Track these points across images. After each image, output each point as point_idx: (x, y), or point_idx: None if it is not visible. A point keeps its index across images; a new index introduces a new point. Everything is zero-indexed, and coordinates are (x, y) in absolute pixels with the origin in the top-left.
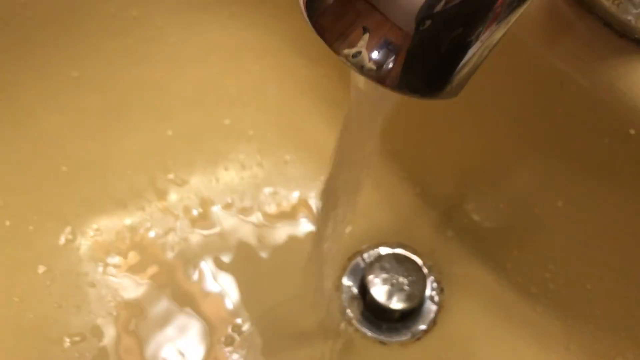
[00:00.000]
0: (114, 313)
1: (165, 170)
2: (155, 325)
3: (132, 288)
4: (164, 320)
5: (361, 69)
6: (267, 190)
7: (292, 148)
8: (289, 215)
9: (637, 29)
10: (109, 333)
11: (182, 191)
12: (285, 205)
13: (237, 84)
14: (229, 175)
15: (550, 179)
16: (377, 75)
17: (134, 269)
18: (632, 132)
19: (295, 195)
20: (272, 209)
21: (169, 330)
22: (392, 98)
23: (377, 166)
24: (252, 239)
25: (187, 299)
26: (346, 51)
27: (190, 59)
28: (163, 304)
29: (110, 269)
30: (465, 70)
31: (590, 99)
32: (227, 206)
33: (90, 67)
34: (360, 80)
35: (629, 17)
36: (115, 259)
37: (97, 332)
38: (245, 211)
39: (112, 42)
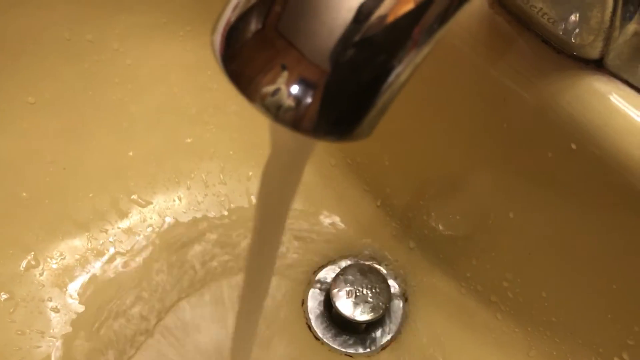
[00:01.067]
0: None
1: (127, 192)
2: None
3: None
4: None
5: (275, 116)
6: (232, 206)
7: (254, 164)
8: None
9: (574, 46)
10: (75, 358)
11: (145, 212)
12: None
13: (197, 103)
14: (192, 194)
15: (501, 191)
16: (292, 122)
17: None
18: (574, 146)
19: None
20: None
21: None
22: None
23: (338, 180)
24: (217, 256)
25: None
26: (257, 99)
27: (149, 80)
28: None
29: (74, 294)
30: (374, 112)
31: (533, 114)
32: (191, 224)
33: (47, 92)
34: (276, 129)
35: (564, 35)
36: (79, 283)
37: (64, 358)
38: (209, 229)
39: (67, 67)
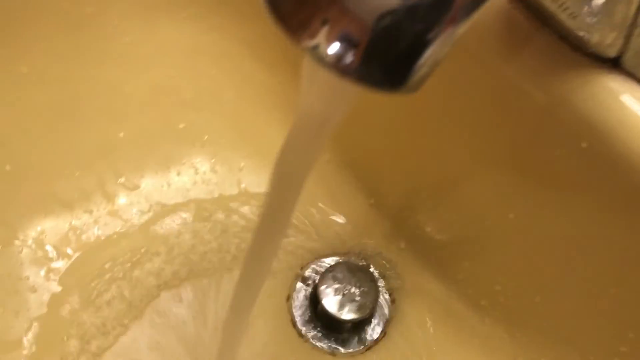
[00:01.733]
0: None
1: (115, 173)
2: None
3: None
4: None
5: (322, 60)
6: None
7: (247, 154)
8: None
9: (591, 43)
10: (48, 340)
11: (132, 195)
12: (240, 213)
13: (192, 88)
14: (181, 181)
15: (503, 191)
16: (338, 67)
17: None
18: (584, 145)
19: (249, 201)
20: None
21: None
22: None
23: (332, 176)
24: (202, 247)
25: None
26: (306, 41)
27: (146, 60)
28: None
29: (53, 274)
30: (426, 66)
31: (543, 111)
32: (179, 211)
33: (41, 64)
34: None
35: (583, 32)
36: (59, 263)
37: (37, 340)
38: (197, 217)
39: (64, 39)
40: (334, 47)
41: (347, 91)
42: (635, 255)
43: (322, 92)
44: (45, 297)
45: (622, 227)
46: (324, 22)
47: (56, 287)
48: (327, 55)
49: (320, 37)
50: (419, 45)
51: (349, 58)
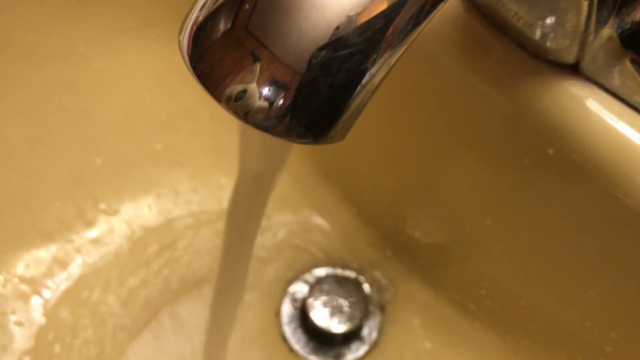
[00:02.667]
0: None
1: (94, 200)
2: None
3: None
4: None
5: (243, 118)
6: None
7: (227, 171)
8: None
9: (550, 50)
10: None
11: (113, 221)
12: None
13: (166, 108)
14: (162, 203)
15: (478, 198)
16: (260, 124)
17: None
18: (551, 151)
19: None
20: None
21: None
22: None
23: (314, 187)
24: (188, 267)
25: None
26: (227, 100)
27: (117, 85)
28: None
29: (39, 307)
30: (347, 115)
31: (509, 119)
32: (162, 233)
33: (10, 96)
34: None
35: (539, 40)
36: (45, 295)
37: None
38: (181, 238)
39: (31, 71)
40: (253, 106)
41: (278, 147)
42: (610, 257)
43: (255, 149)
44: (32, 330)
45: (595, 229)
46: (241, 81)
47: (42, 320)
48: (247, 113)
49: (239, 96)
50: (339, 96)
51: (269, 115)
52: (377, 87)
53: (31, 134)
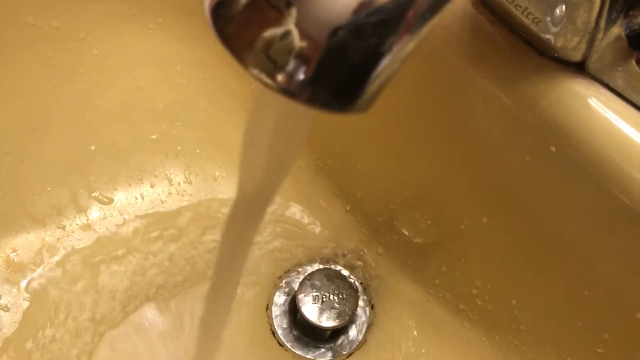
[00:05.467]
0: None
1: (87, 187)
2: None
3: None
4: None
5: (269, 82)
6: (195, 207)
7: (222, 163)
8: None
9: (556, 48)
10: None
11: (105, 209)
12: (216, 221)
13: (164, 98)
14: (155, 192)
15: (476, 195)
16: (287, 89)
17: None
18: (553, 149)
19: (225, 211)
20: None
21: None
22: (303, 118)
23: (308, 183)
24: (179, 259)
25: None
26: (253, 63)
27: (115, 72)
28: None
29: (26, 292)
30: (377, 83)
31: (512, 116)
32: (153, 223)
33: (7, 78)
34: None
35: (548, 36)
36: (33, 281)
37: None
38: (172, 228)
39: (30, 53)
40: (281, 69)
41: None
42: (607, 256)
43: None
44: (19, 316)
45: (593, 229)
46: (270, 45)
47: (29, 306)
48: (273, 78)
49: (266, 60)
50: (369, 62)
51: (296, 80)
52: (407, 58)
53: (27, 117)
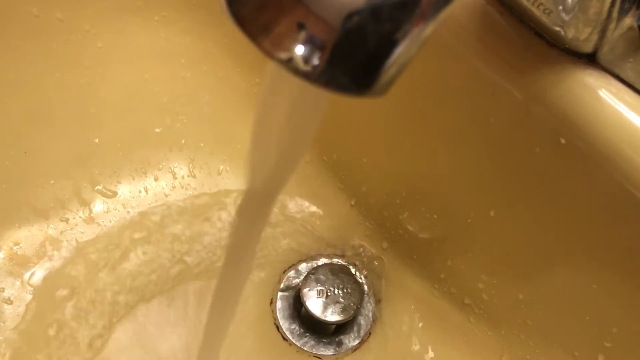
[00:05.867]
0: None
1: (91, 180)
2: None
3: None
4: None
5: (286, 64)
6: (201, 201)
7: (226, 157)
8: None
9: (567, 39)
10: (25, 352)
11: (109, 202)
12: (219, 217)
13: (168, 91)
14: (159, 186)
15: (483, 188)
16: (304, 71)
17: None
18: (563, 141)
19: (229, 202)
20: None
21: None
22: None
23: (313, 177)
24: (183, 254)
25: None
26: (269, 45)
27: (120, 65)
28: None
29: (30, 285)
30: (394, 67)
31: (521, 108)
32: (158, 217)
33: (11, 70)
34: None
35: (558, 28)
36: (36, 274)
37: (14, 353)
38: (177, 222)
39: (34, 45)
40: (298, 51)
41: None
42: (617, 250)
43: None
44: (21, 309)
45: (603, 223)
46: (288, 25)
47: (33, 299)
48: (291, 59)
49: (283, 41)
50: (387, 46)
51: (314, 62)
52: (424, 43)
53: (31, 109)
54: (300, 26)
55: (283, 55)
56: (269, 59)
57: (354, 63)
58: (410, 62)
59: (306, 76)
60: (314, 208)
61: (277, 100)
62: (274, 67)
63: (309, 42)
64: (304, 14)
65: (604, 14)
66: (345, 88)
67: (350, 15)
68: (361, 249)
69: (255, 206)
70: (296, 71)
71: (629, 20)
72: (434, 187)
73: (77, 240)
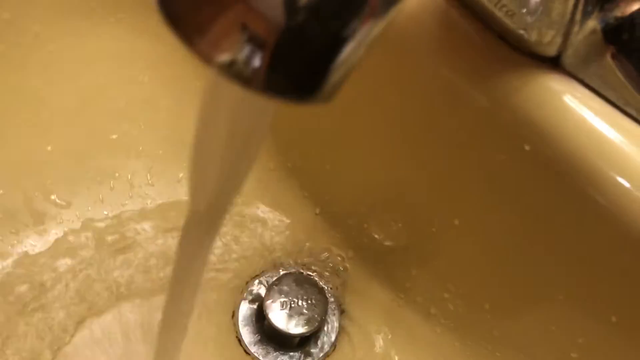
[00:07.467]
0: None
1: (43, 190)
2: None
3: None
4: None
5: (226, 68)
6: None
7: (185, 165)
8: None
9: (530, 42)
10: None
11: (62, 213)
12: (178, 226)
13: (125, 96)
14: (115, 195)
15: (446, 196)
16: (244, 76)
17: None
18: (527, 148)
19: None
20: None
21: None
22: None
23: (276, 185)
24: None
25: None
26: (207, 47)
27: (73, 68)
28: None
29: None
30: (341, 70)
31: (484, 113)
32: (113, 227)
33: None
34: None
35: (522, 31)
36: None
37: None
38: (134, 233)
39: None
40: (238, 53)
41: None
42: (582, 259)
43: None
44: None
45: (568, 229)
46: (227, 24)
47: None
48: (230, 63)
49: (222, 42)
50: (333, 46)
51: (254, 64)
52: (373, 44)
53: None
54: (241, 26)
55: (222, 58)
56: (204, 64)
57: (296, 67)
58: (358, 65)
59: (247, 82)
60: (277, 217)
61: (217, 112)
62: (212, 74)
63: (247, 45)
64: (244, 11)
65: (567, 16)
66: (286, 94)
67: (292, 12)
68: (326, 259)
69: (199, 228)
70: (236, 76)
71: (591, 23)
72: (397, 195)
73: (27, 253)
